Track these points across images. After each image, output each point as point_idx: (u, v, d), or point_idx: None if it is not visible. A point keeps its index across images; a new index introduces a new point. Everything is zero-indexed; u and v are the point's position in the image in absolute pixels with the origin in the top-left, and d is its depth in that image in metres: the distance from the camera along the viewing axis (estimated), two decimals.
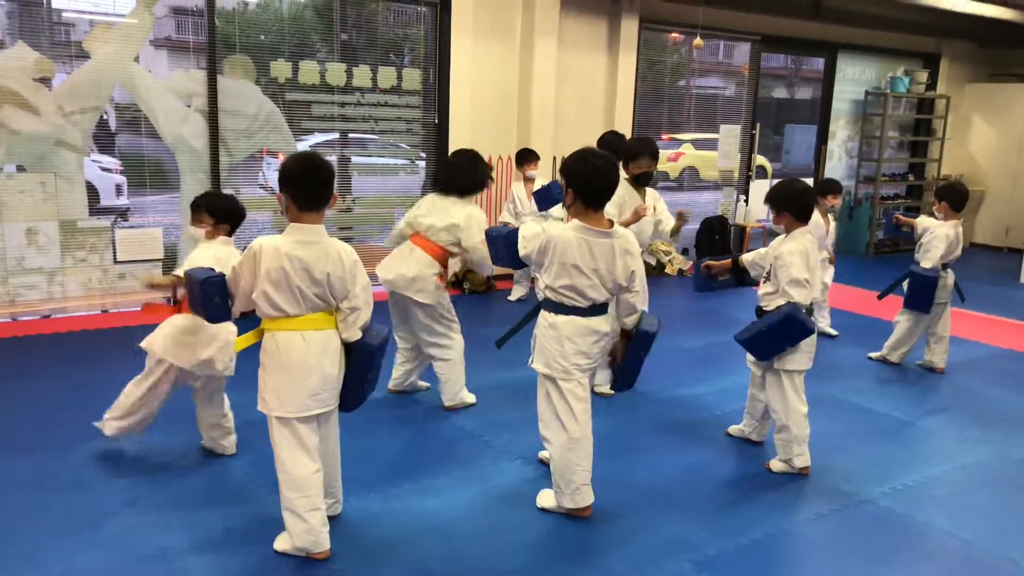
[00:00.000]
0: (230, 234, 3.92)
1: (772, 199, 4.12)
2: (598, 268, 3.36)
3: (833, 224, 6.50)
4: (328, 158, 4.01)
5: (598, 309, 3.45)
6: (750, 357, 4.22)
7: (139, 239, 6.72)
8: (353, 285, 3.09)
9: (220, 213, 3.88)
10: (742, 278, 4.38)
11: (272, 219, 7.19)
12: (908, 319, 5.88)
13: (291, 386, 3.03)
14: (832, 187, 6.51)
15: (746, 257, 4.33)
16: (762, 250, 4.27)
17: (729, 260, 4.40)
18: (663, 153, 13.86)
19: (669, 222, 5.07)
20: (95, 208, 7.51)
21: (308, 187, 3.02)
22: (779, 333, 3.93)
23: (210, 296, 3.09)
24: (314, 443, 3.11)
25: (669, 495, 3.85)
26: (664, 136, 12.67)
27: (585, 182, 3.36)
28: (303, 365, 3.02)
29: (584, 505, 3.56)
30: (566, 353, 3.42)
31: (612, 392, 4.97)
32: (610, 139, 5.28)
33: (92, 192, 7.74)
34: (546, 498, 3.67)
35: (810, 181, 10.32)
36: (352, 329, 3.12)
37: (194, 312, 3.33)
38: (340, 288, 3.06)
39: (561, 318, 3.42)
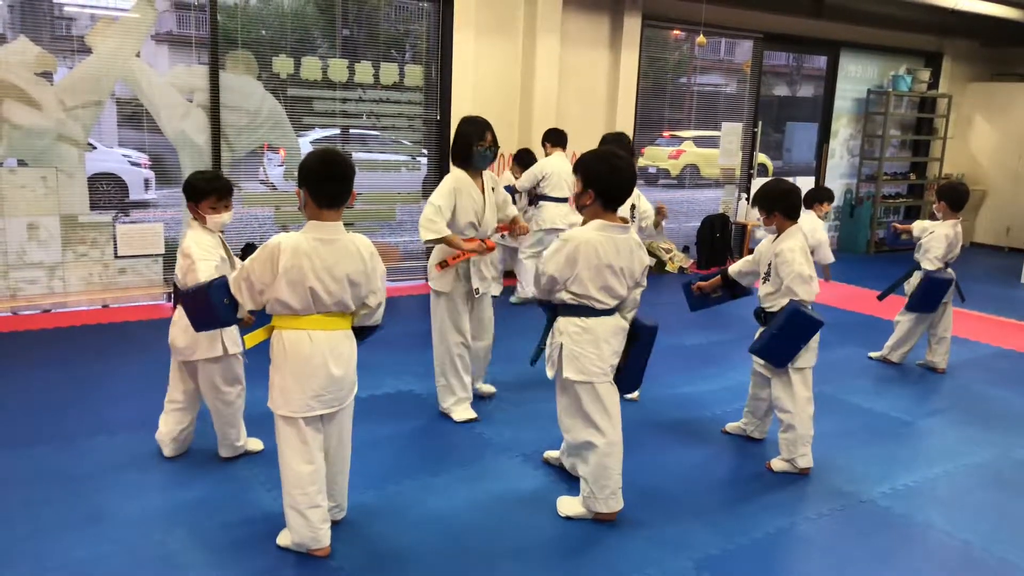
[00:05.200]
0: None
1: (759, 200, 4.12)
2: (623, 265, 3.36)
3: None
4: None
5: (618, 307, 3.46)
6: (759, 361, 4.21)
7: (140, 234, 6.71)
8: (375, 278, 3.13)
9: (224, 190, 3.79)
10: (734, 290, 4.36)
11: (274, 215, 7.18)
12: (909, 319, 5.87)
13: (295, 385, 3.02)
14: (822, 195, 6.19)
15: (733, 268, 4.32)
16: (748, 257, 4.27)
17: (719, 276, 4.38)
18: (664, 151, 13.88)
19: (650, 218, 5.09)
20: (124, 202, 7.44)
21: (328, 185, 2.99)
22: (790, 334, 3.92)
23: (220, 299, 3.07)
24: (317, 442, 3.11)
25: (670, 494, 3.85)
26: (665, 133, 12.66)
27: (608, 182, 3.34)
28: (308, 365, 3.01)
29: (617, 509, 3.52)
30: (604, 355, 3.39)
31: (636, 397, 4.95)
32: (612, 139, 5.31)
33: (121, 186, 7.64)
34: (569, 505, 3.58)
35: (811, 180, 10.38)
36: (376, 315, 3.22)
37: (197, 322, 3.25)
38: (365, 284, 3.08)
39: (593, 320, 3.38)
